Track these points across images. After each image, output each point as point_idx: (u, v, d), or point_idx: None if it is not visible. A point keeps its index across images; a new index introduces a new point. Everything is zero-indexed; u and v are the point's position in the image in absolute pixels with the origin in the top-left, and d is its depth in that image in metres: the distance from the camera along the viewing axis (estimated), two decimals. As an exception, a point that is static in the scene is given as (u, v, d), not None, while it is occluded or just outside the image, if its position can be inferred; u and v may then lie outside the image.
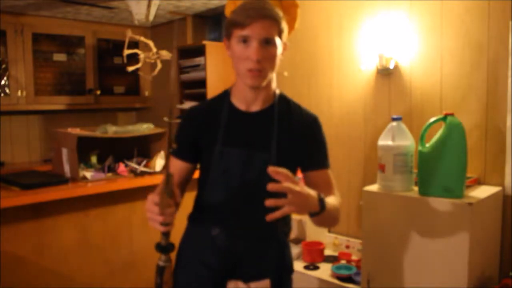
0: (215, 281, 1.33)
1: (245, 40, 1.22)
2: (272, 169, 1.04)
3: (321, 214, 1.15)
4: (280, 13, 1.26)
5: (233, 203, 1.31)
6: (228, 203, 1.31)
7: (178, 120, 1.40)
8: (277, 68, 1.31)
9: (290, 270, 1.43)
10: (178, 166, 1.42)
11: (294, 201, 1.04)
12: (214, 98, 1.42)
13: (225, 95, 1.39)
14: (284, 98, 1.38)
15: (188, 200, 1.47)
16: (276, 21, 1.23)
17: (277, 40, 1.25)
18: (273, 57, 1.25)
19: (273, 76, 1.34)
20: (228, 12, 1.34)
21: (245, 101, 1.33)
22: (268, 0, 1.28)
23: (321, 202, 1.13)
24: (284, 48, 1.31)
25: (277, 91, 1.38)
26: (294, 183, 1.05)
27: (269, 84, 1.33)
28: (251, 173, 1.29)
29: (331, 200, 1.22)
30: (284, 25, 1.27)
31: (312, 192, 1.12)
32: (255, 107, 1.34)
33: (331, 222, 1.27)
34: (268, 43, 1.22)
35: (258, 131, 1.32)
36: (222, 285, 1.33)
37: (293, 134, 1.33)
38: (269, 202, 1.03)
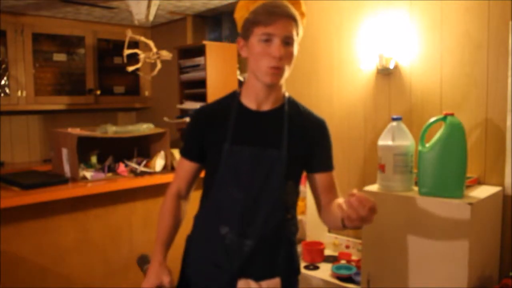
0: (225, 280, 1.33)
1: (267, 39, 1.24)
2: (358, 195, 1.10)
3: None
4: (298, 15, 1.30)
5: (241, 201, 1.31)
6: (238, 200, 1.31)
7: (178, 120, 1.42)
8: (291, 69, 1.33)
9: (297, 271, 1.43)
10: (185, 166, 1.44)
11: (366, 219, 1.10)
12: (222, 98, 1.43)
13: (234, 95, 1.40)
14: (293, 101, 1.41)
15: (194, 200, 1.47)
16: (296, 23, 1.28)
17: (295, 41, 1.29)
18: (291, 57, 1.29)
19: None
20: (239, 13, 1.35)
21: (256, 100, 1.35)
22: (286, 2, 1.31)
23: None
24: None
25: (286, 94, 1.41)
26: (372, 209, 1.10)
27: (280, 85, 1.36)
28: (260, 171, 1.30)
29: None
30: (301, 28, 1.31)
31: None
32: (266, 107, 1.36)
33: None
34: (288, 43, 1.26)
35: (268, 129, 1.34)
36: (232, 284, 1.33)
37: (302, 134, 1.35)
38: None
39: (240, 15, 1.33)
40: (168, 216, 1.41)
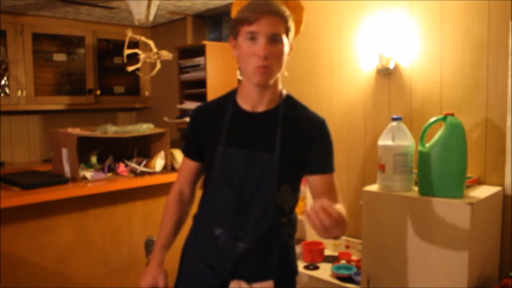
0: (218, 281, 1.33)
1: (252, 37, 1.22)
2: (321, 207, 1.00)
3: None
4: (287, 11, 1.26)
5: (235, 203, 1.30)
6: (230, 203, 1.31)
7: (178, 120, 1.42)
8: (284, 67, 1.30)
9: (294, 272, 1.42)
10: (188, 165, 1.44)
11: (325, 227, 1.01)
12: (220, 97, 1.42)
13: (231, 94, 1.38)
14: (291, 100, 1.38)
15: (195, 199, 1.48)
16: (283, 19, 1.24)
17: (284, 38, 1.25)
18: (280, 54, 1.25)
19: (279, 76, 1.33)
20: (234, 12, 1.34)
21: (250, 101, 1.33)
22: (275, 0, 1.28)
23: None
24: (291, 48, 1.31)
25: (284, 92, 1.38)
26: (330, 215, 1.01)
27: (275, 84, 1.32)
28: (252, 174, 1.29)
29: (342, 213, 1.15)
30: (291, 24, 1.28)
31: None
32: (261, 108, 1.33)
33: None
34: (275, 40, 1.22)
35: (262, 131, 1.32)
36: (225, 285, 1.33)
37: (298, 136, 1.32)
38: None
39: (235, 12, 1.31)
40: (168, 220, 1.44)
